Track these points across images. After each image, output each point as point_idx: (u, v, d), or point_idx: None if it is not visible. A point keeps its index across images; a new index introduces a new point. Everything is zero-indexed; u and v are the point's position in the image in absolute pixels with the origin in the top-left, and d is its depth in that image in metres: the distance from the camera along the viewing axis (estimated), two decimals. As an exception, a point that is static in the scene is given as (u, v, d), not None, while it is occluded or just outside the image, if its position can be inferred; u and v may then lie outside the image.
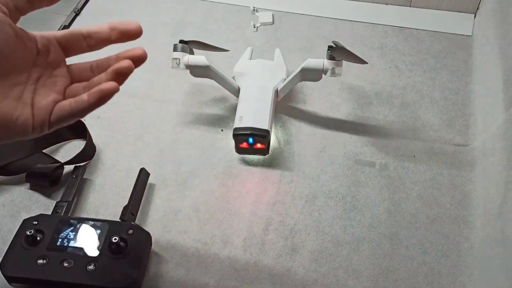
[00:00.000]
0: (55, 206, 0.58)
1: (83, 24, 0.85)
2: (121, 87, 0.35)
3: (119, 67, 0.36)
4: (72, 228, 0.54)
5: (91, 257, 0.51)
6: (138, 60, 0.37)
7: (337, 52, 0.62)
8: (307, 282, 0.54)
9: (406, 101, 0.72)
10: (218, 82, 0.67)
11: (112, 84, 0.35)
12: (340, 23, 0.85)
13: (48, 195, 0.62)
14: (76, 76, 0.38)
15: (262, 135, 0.61)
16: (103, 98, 0.35)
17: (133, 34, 0.38)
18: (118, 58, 0.37)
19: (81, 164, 0.64)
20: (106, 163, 0.66)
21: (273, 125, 0.68)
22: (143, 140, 0.68)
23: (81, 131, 0.67)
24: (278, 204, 0.61)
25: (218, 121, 0.70)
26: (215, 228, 0.59)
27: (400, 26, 0.84)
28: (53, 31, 0.37)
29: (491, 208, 0.56)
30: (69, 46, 0.38)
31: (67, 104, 0.35)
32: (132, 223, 0.55)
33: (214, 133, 0.69)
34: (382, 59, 0.78)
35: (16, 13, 0.34)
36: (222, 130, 0.69)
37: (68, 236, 0.53)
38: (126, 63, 0.36)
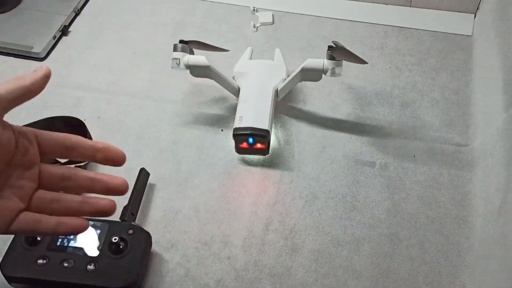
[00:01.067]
0: (55, 206, 0.58)
1: (83, 24, 0.85)
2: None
3: (99, 209, 0.37)
4: (72, 228, 0.54)
5: (91, 257, 0.51)
6: (118, 191, 0.38)
7: (337, 52, 0.62)
8: (307, 282, 0.54)
9: (406, 101, 0.72)
10: (218, 82, 0.67)
11: (82, 223, 0.36)
12: (340, 23, 0.85)
13: (48, 195, 0.62)
14: (45, 179, 0.36)
15: (262, 135, 0.61)
16: (72, 233, 0.36)
17: (118, 162, 0.39)
18: (94, 180, 0.38)
19: (81, 164, 0.64)
20: (106, 163, 0.66)
21: (273, 125, 0.68)
22: (143, 140, 0.68)
23: (81, 131, 0.67)
24: (278, 204, 0.61)
25: (218, 121, 0.70)
26: (215, 228, 0.59)
27: (400, 26, 0.84)
28: (39, 130, 0.34)
29: (491, 208, 0.56)
30: (49, 152, 0.36)
31: (31, 220, 0.34)
32: (132, 223, 0.55)
33: (214, 133, 0.69)
34: (382, 59, 0.78)
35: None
36: (222, 130, 0.69)
37: (68, 236, 0.53)
38: (106, 204, 0.38)
